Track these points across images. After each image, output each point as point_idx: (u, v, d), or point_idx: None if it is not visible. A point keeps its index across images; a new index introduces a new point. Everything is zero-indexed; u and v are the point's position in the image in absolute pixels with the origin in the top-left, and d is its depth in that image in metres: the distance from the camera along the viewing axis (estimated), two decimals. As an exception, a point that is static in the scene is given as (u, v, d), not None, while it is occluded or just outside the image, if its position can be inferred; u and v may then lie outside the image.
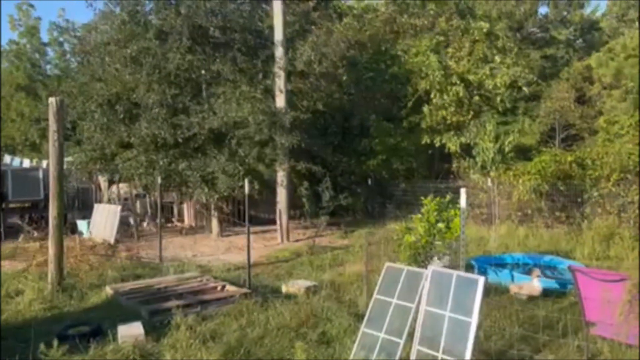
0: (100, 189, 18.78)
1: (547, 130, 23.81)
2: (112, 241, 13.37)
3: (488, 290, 6.93)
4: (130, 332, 6.07)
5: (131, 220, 15.42)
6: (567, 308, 7.11)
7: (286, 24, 14.77)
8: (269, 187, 14.89)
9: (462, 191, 5.50)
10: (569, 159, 14.46)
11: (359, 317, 6.43)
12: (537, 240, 12.61)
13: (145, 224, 16.70)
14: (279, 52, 14.30)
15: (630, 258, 9.93)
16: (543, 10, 32.23)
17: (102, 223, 14.24)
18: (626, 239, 10.92)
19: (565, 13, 31.67)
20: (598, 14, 33.04)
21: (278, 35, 14.42)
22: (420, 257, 7.73)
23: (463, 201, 5.48)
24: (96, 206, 15.39)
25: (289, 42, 15.00)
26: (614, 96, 21.10)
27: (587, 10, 32.09)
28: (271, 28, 14.94)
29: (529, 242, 12.51)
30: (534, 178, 14.16)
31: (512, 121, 21.32)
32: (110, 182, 17.92)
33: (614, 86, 21.58)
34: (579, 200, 13.53)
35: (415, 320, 5.40)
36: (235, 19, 14.43)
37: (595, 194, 13.19)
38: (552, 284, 8.31)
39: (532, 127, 22.88)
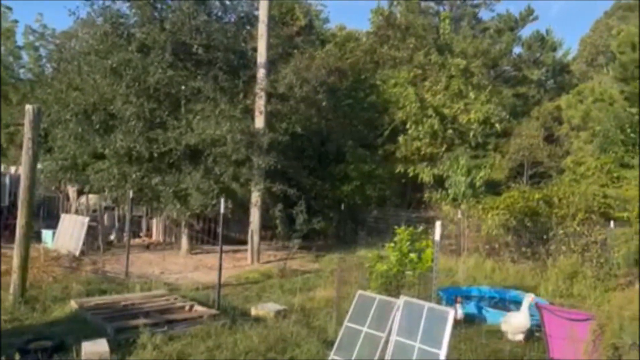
0: (68, 199, 18.37)
1: (516, 167, 24.48)
2: (77, 253, 13.04)
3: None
4: (95, 349, 5.92)
5: (99, 233, 15.10)
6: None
7: (269, 47, 14.92)
8: (242, 206, 14.83)
9: (438, 224, 5.62)
10: (537, 196, 14.84)
11: (328, 344, 6.43)
12: (503, 274, 12.83)
13: (112, 237, 16.36)
14: (261, 73, 14.40)
15: (592, 297, 10.21)
16: (517, 50, 33.47)
17: (68, 234, 13.89)
18: (588, 278, 11.21)
19: (538, 54, 32.93)
20: (569, 57, 34.43)
21: (261, 57, 14.55)
22: (391, 286, 7.80)
23: (437, 234, 5.60)
24: (63, 216, 15.02)
25: (272, 65, 15.13)
26: (582, 138, 21.92)
27: (559, 53, 33.40)
28: (254, 49, 15.07)
29: (495, 276, 12.71)
30: (502, 213, 14.48)
31: (482, 156, 21.86)
32: (80, 193, 17.55)
33: (582, 128, 22.42)
34: (545, 237, 13.84)
35: (384, 349, 5.44)
36: (219, 38, 14.49)
37: (561, 232, 13.51)
38: (472, 309, 8.67)
39: (502, 162, 23.50)
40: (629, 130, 17.04)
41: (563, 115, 24.51)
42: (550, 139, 25.38)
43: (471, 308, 9.04)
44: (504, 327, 7.60)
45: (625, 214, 13.47)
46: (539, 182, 22.06)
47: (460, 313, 7.86)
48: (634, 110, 17.71)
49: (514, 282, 12.03)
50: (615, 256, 11.71)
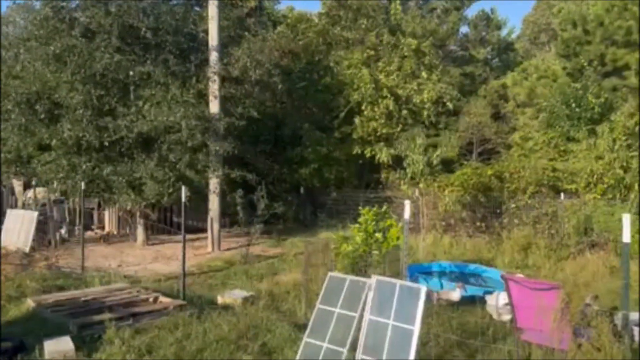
0: (13, 193, 17.49)
1: (465, 144, 25.09)
2: (27, 250, 12.49)
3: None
4: (59, 347, 5.70)
5: (50, 227, 14.48)
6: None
7: (220, 29, 14.56)
8: (198, 194, 14.54)
9: (407, 203, 5.68)
10: (489, 172, 15.29)
11: (299, 327, 6.44)
12: (461, 249, 13.20)
13: (63, 232, 15.71)
14: (213, 56, 14.07)
15: (546, 266, 10.66)
16: (464, 29, 34.03)
17: (15, 230, 13.24)
18: (542, 249, 11.70)
19: (483, 33, 33.58)
20: (513, 36, 35.29)
21: (213, 39, 14.19)
22: (357, 266, 7.86)
23: (407, 213, 5.66)
24: (9, 212, 14.30)
25: (223, 47, 14.80)
26: (527, 114, 22.63)
27: (504, 32, 34.17)
28: (205, 32, 14.69)
29: (453, 251, 13.07)
30: (457, 190, 14.84)
31: (434, 134, 22.25)
32: (26, 186, 16.74)
33: (527, 104, 23.14)
34: (498, 211, 14.31)
35: (358, 329, 5.48)
36: (167, 20, 14.00)
37: (513, 205, 13.99)
38: (476, 291, 8.77)
39: (452, 140, 24.00)
40: (573, 105, 17.68)
41: (509, 93, 25.19)
42: (497, 116, 26.04)
43: (434, 283, 9.26)
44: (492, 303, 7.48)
45: (574, 186, 14.08)
46: (488, 158, 22.68)
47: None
48: (577, 85, 18.39)
49: (471, 256, 12.40)
50: (566, 226, 12.24)
